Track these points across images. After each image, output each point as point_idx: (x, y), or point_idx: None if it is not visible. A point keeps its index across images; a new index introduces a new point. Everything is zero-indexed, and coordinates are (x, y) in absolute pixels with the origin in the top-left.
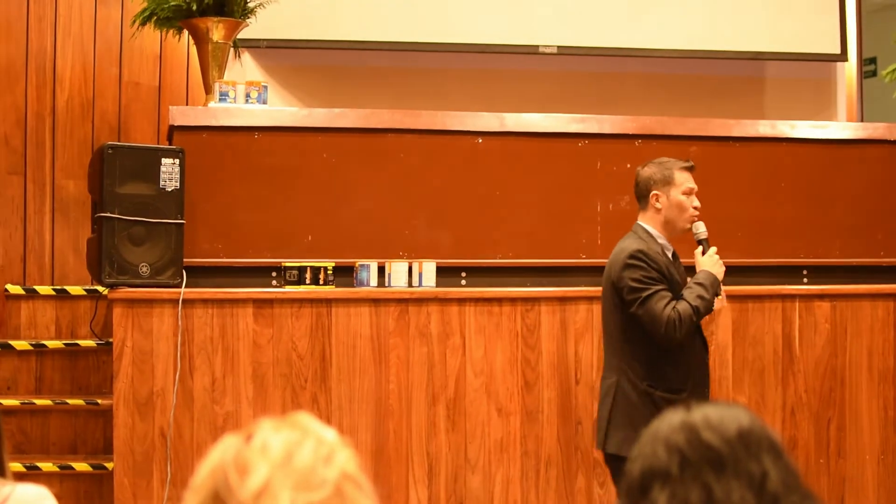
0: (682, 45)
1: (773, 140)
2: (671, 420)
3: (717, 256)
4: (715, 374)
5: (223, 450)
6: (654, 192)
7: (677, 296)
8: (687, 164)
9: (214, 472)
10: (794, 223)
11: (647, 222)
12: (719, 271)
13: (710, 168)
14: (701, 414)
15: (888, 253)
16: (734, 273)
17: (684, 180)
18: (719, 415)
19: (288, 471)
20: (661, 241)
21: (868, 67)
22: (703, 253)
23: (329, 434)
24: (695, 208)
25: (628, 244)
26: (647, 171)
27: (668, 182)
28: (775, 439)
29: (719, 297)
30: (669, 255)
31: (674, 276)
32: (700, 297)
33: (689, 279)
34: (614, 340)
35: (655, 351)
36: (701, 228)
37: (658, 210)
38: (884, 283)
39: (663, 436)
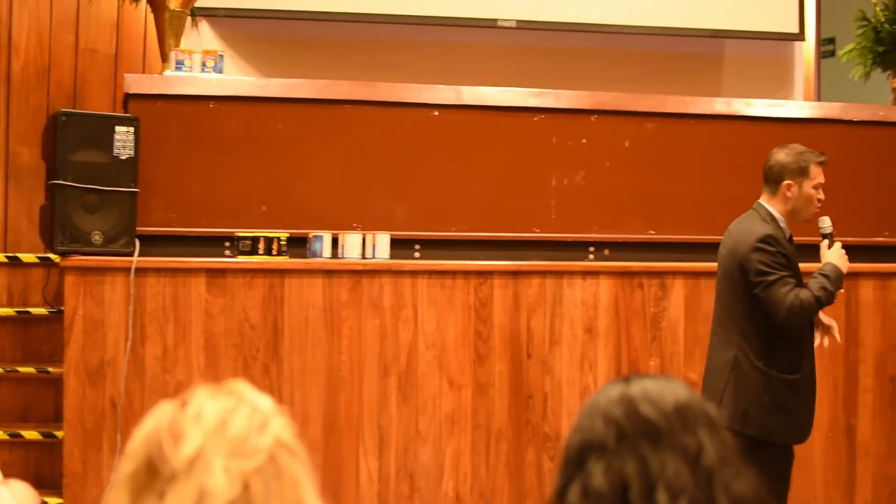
0: (642, 22)
1: (729, 118)
2: (610, 393)
3: (843, 251)
4: (667, 349)
5: (158, 417)
6: (788, 181)
7: (800, 283)
8: (822, 159)
9: (148, 439)
10: (748, 200)
11: (773, 206)
12: (844, 265)
13: (665, 145)
14: (639, 387)
15: (840, 232)
16: (687, 249)
17: (817, 174)
18: (657, 388)
19: (221, 438)
20: (783, 224)
21: (827, 48)
22: (829, 247)
23: (264, 402)
24: (819, 201)
25: (757, 227)
26: (783, 157)
27: (803, 174)
28: (712, 413)
29: (840, 290)
30: (788, 239)
31: (796, 261)
32: (823, 288)
33: (815, 271)
34: (735, 317)
35: (774, 332)
36: (826, 223)
37: (787, 198)
38: None
39: (601, 408)
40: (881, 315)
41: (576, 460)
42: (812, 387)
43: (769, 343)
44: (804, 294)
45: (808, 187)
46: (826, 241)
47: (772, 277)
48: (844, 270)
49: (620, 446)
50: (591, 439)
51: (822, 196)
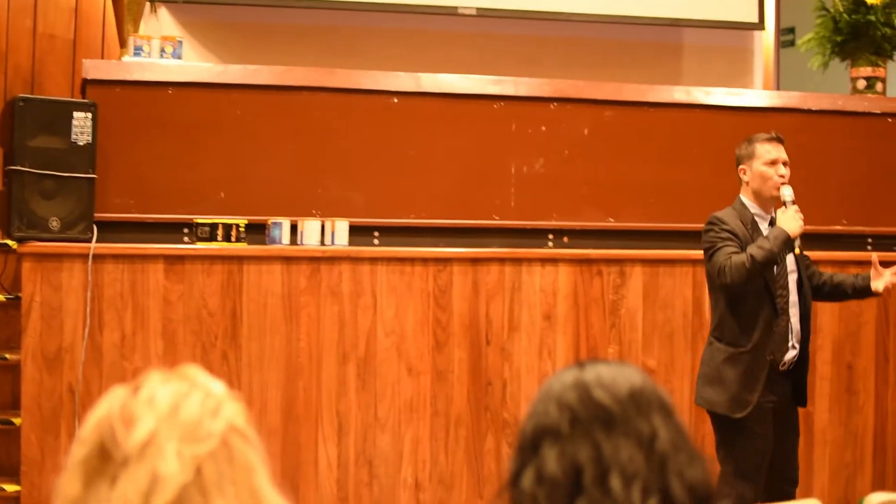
0: (601, 10)
1: (688, 106)
2: (564, 378)
3: (795, 214)
4: (625, 337)
5: (110, 401)
6: (741, 166)
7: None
8: (770, 136)
9: (101, 424)
10: (706, 189)
11: (743, 194)
12: (791, 227)
13: (624, 133)
14: (594, 372)
15: None
16: (645, 237)
17: (765, 152)
18: (612, 373)
19: (174, 423)
20: (754, 209)
21: (786, 37)
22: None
23: (217, 387)
24: (780, 176)
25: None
26: (738, 148)
27: (750, 156)
28: (666, 399)
29: (796, 251)
30: (764, 223)
31: (754, 239)
32: (759, 246)
33: None
34: (710, 301)
35: (725, 308)
36: (786, 192)
37: (746, 183)
38: None
39: (556, 394)
40: (839, 303)
41: (530, 446)
42: (759, 362)
43: (722, 318)
44: (737, 256)
45: (757, 165)
46: (784, 208)
47: (711, 249)
48: (791, 232)
49: (574, 432)
50: (545, 424)
51: (782, 171)
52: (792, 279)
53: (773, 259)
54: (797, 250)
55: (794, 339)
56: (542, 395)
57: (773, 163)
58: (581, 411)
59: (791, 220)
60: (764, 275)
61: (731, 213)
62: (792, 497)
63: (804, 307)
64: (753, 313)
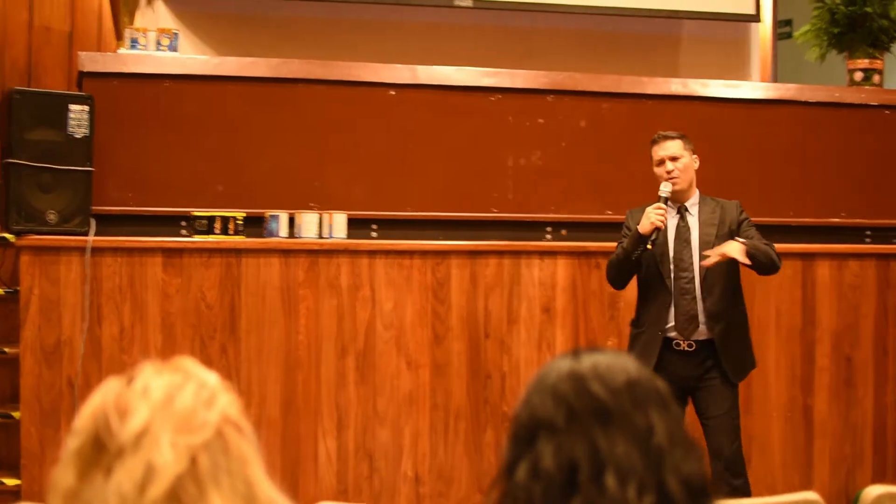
0: (598, 2)
1: (685, 98)
2: (559, 368)
3: (651, 211)
4: (624, 329)
5: (104, 393)
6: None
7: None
8: (652, 140)
9: (95, 415)
10: (702, 181)
11: None
12: (641, 223)
13: (621, 125)
14: (589, 363)
15: (796, 213)
16: None
17: (653, 155)
18: (607, 364)
19: (168, 413)
20: (671, 205)
21: (784, 29)
22: None
23: (211, 378)
24: (667, 172)
25: None
26: None
27: (652, 164)
28: (662, 390)
29: (648, 247)
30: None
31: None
32: (621, 245)
33: None
34: None
35: (638, 294)
36: (662, 188)
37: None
38: (792, 243)
39: (551, 385)
40: (837, 295)
41: (525, 437)
42: (653, 339)
43: (636, 305)
44: (613, 255)
45: (654, 170)
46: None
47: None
48: (640, 229)
49: (570, 427)
50: (540, 417)
51: (668, 168)
52: (696, 261)
53: (627, 255)
54: (650, 245)
55: (706, 321)
56: (537, 384)
57: (660, 163)
58: (577, 405)
59: (644, 217)
60: (641, 259)
61: (644, 208)
62: None
63: (718, 289)
64: (649, 295)
